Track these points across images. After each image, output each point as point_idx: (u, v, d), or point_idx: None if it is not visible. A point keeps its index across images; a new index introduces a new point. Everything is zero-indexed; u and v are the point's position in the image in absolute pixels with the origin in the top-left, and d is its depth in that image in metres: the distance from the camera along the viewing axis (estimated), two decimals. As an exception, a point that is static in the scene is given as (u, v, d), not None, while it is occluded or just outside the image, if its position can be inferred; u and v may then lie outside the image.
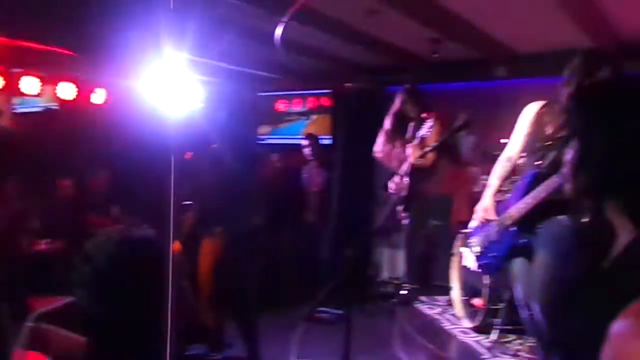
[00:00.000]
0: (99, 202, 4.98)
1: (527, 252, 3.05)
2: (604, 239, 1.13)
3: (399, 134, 5.49)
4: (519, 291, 3.12)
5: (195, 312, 4.05)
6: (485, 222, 3.35)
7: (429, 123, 4.97)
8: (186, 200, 4.17)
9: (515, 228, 3.10)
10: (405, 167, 5.08)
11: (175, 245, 3.73)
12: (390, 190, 5.35)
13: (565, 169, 1.19)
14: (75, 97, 5.84)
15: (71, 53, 5.20)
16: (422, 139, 5.04)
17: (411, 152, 5.19)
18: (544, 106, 3.12)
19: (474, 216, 3.49)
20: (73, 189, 5.03)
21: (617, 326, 0.71)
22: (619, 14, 4.43)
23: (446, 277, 5.13)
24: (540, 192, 2.94)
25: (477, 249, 3.40)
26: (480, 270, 3.54)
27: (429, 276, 5.85)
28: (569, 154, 1.17)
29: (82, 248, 1.72)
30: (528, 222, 3.05)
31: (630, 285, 0.87)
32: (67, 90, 5.81)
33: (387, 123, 5.51)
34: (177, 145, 4.04)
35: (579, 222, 1.25)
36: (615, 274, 1.05)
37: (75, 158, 5.26)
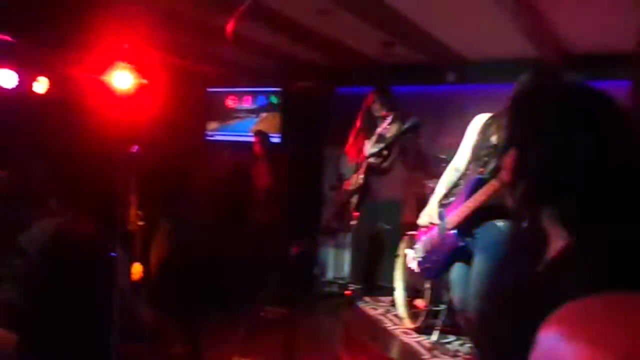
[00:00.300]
0: (36, 194, 4.81)
1: (466, 256, 3.11)
2: (539, 245, 1.16)
3: (367, 132, 5.53)
4: (456, 294, 3.18)
5: (136, 310, 3.96)
6: (429, 227, 3.41)
7: (387, 120, 5.02)
8: (129, 195, 4.08)
9: (455, 232, 3.15)
10: (362, 166, 5.15)
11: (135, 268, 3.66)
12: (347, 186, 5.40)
13: (504, 176, 1.22)
14: (16, 85, 5.63)
15: (11, 39, 5.02)
16: (380, 136, 5.09)
17: (366, 149, 5.27)
18: (491, 117, 3.19)
19: (419, 221, 3.56)
20: (8, 180, 4.85)
21: (545, 330, 0.72)
22: (563, 26, 4.57)
23: (390, 278, 5.18)
24: (480, 195, 3.00)
25: (420, 253, 3.45)
26: (423, 274, 3.59)
27: (374, 277, 5.89)
28: (507, 161, 1.19)
29: (15, 241, 1.65)
30: (468, 225, 3.11)
31: (560, 290, 0.88)
32: (6, 78, 5.59)
33: (358, 121, 5.57)
34: (122, 138, 3.95)
35: (516, 228, 1.28)
36: (546, 280, 1.07)
37: (11, 148, 5.07)
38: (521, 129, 1.19)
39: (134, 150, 4.02)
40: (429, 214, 3.44)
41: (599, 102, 1.14)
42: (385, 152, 5.03)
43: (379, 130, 5.30)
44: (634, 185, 1.08)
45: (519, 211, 1.23)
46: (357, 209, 5.36)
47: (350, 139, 5.58)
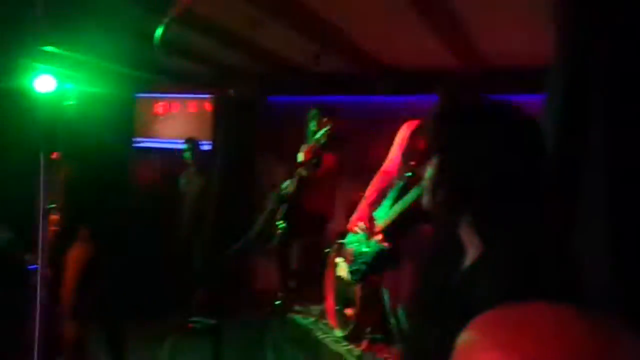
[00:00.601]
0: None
1: (393, 260, 3.18)
2: (457, 253, 1.20)
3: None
4: (387, 299, 3.24)
5: (55, 323, 3.82)
6: (359, 232, 3.48)
7: (325, 128, 5.05)
8: (51, 203, 3.94)
9: (382, 235, 3.22)
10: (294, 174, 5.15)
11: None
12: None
13: (425, 184, 1.25)
14: None
15: None
16: (316, 142, 5.10)
17: (299, 156, 5.28)
18: (418, 124, 3.32)
19: (349, 226, 3.61)
20: None
21: (462, 339, 0.74)
22: (484, 41, 4.76)
23: (320, 287, 5.19)
24: (407, 198, 3.09)
25: (350, 257, 3.51)
26: (352, 277, 3.63)
27: (304, 286, 5.89)
28: (429, 170, 1.23)
29: None
30: (395, 229, 3.19)
31: (475, 299, 0.91)
32: None
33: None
34: (44, 143, 3.81)
35: (436, 235, 1.32)
36: (462, 289, 1.11)
37: None
38: (442, 140, 1.23)
39: (55, 157, 3.88)
40: (358, 219, 3.51)
41: (513, 117, 1.20)
42: (312, 162, 4.99)
43: (315, 137, 5.33)
44: (540, 197, 1.14)
45: (439, 219, 1.27)
46: (284, 218, 5.35)
47: None
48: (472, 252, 1.16)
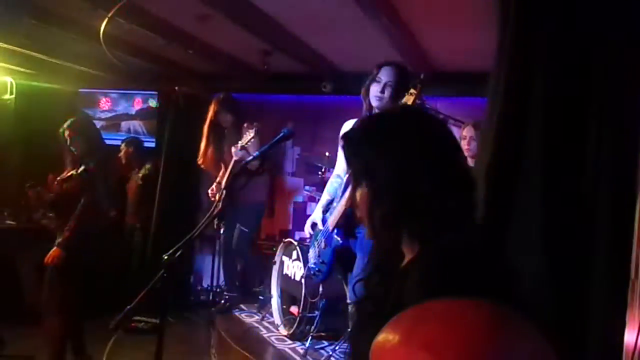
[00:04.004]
0: None
1: (348, 256, 3.24)
2: (393, 261, 1.23)
3: (215, 141, 5.45)
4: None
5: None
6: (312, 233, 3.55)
7: (250, 133, 5.02)
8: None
9: (335, 231, 3.27)
10: (224, 177, 5.12)
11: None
12: (210, 196, 5.34)
13: (359, 212, 1.26)
14: None
15: None
16: (244, 148, 5.06)
17: (232, 163, 5.18)
18: (358, 121, 3.37)
19: (305, 229, 3.66)
20: None
21: (383, 336, 0.75)
22: (433, 45, 4.85)
23: (266, 285, 5.21)
24: (350, 192, 3.14)
25: (312, 259, 3.55)
26: (313, 277, 3.65)
27: (249, 284, 5.88)
28: (360, 196, 1.24)
29: None
30: (348, 225, 3.25)
31: (405, 297, 0.93)
32: None
33: (205, 130, 5.46)
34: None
35: (378, 249, 1.33)
36: (396, 287, 1.14)
37: None
38: (370, 160, 1.23)
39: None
40: (314, 221, 3.56)
41: (432, 123, 1.24)
42: (254, 164, 4.89)
43: (242, 142, 5.18)
44: (467, 199, 1.19)
45: (380, 235, 1.27)
46: (222, 217, 5.30)
47: (202, 150, 5.47)
48: (409, 256, 1.19)
